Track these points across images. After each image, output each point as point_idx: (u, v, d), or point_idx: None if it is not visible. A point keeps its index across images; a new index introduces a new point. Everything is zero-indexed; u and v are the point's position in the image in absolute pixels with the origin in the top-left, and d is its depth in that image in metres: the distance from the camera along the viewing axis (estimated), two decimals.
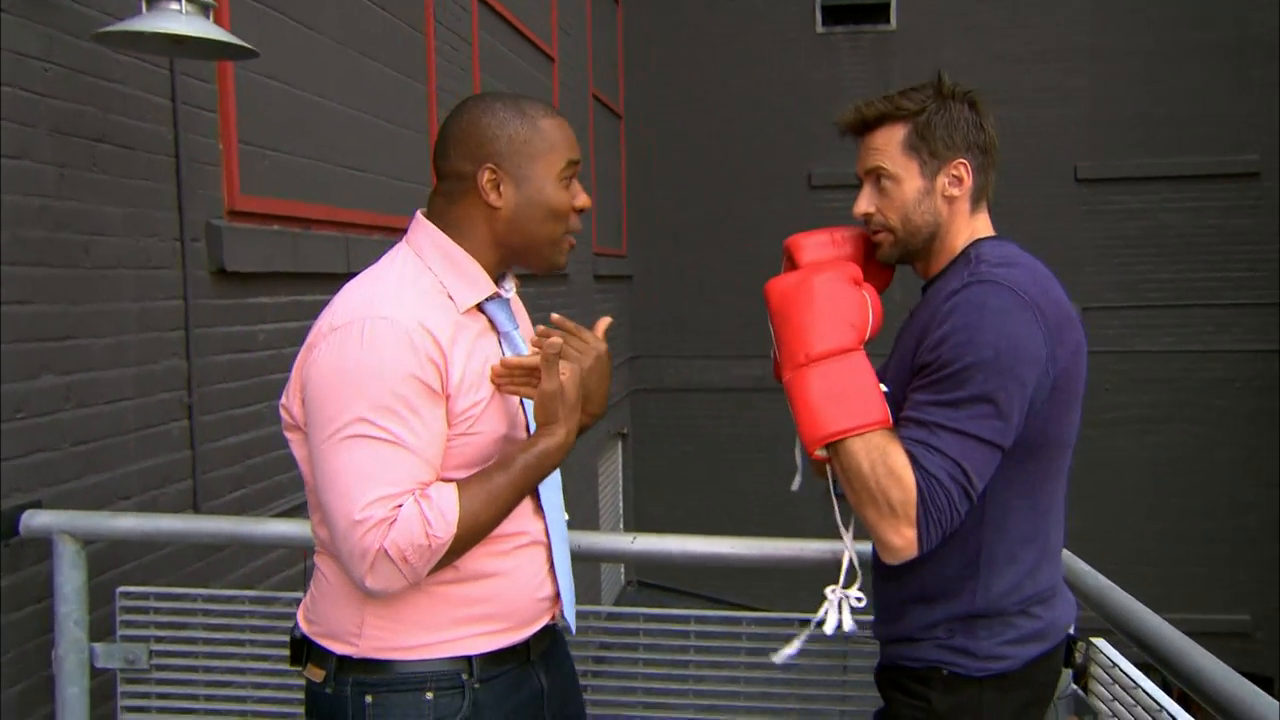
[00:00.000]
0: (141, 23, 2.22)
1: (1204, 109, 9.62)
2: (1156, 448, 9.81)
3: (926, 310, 1.60)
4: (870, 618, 1.74)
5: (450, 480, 1.44)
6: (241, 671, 2.36)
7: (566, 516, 1.67)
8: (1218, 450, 9.75)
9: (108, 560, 2.57)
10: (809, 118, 9.86)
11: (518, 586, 1.54)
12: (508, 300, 1.60)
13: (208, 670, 2.39)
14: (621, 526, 10.23)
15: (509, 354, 1.54)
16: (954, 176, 1.63)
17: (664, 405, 10.62)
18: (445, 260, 1.51)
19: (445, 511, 1.38)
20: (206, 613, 2.39)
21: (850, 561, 1.66)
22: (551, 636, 1.67)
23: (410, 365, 1.38)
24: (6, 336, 2.30)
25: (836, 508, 1.64)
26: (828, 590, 1.63)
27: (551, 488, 1.61)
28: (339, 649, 1.49)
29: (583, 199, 1.56)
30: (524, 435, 1.55)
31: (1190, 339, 9.76)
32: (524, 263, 1.57)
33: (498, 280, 1.57)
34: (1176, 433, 9.72)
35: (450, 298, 1.49)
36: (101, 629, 2.43)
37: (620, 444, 10.49)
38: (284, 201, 3.46)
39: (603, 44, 9.50)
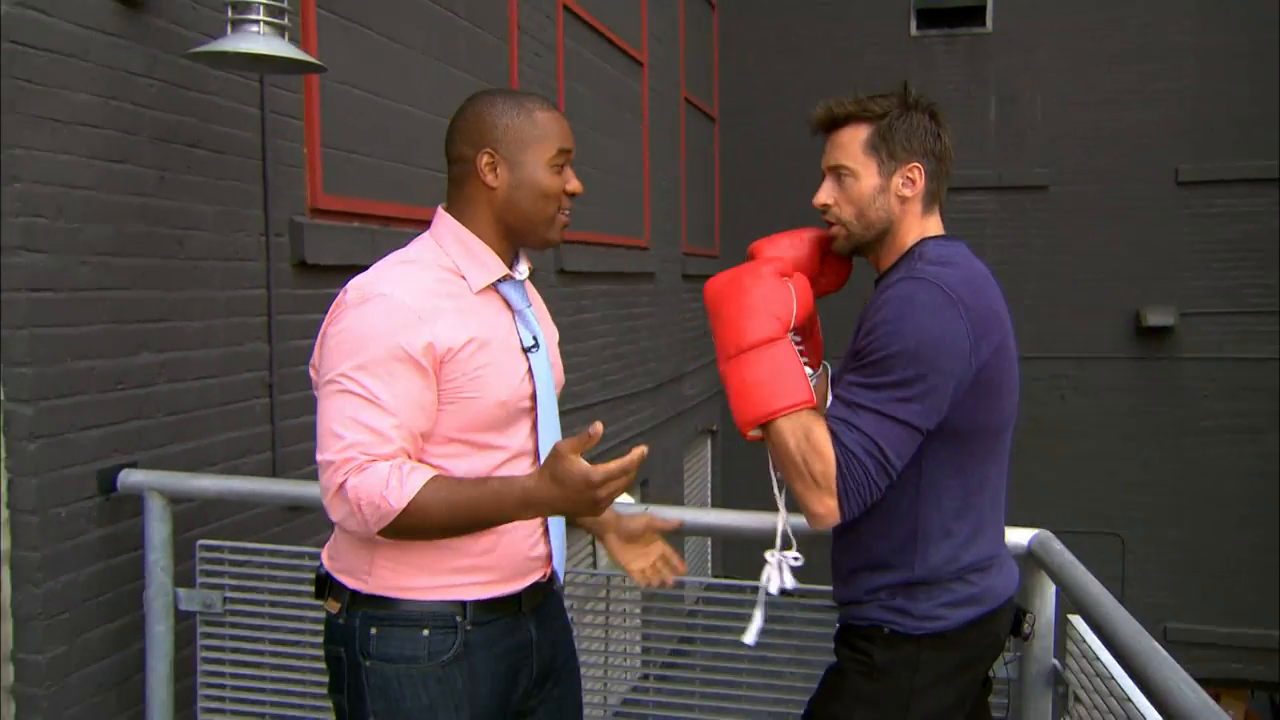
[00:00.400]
0: (225, 43, 2.52)
1: None
2: (1255, 457, 9.52)
3: (869, 305, 1.77)
4: (830, 586, 1.92)
5: (454, 442, 1.66)
6: (301, 619, 2.65)
7: None
8: None
9: (194, 519, 2.89)
10: None
11: (513, 544, 1.74)
12: (521, 282, 1.80)
13: (274, 618, 2.69)
14: None
15: (522, 331, 1.76)
16: (908, 178, 1.79)
17: None
18: (460, 246, 1.72)
19: (406, 486, 1.55)
20: (274, 567, 2.69)
21: (784, 527, 1.84)
22: (545, 594, 1.85)
23: (396, 335, 1.58)
24: (111, 317, 2.63)
25: (774, 480, 1.82)
26: (767, 554, 1.82)
27: (548, 429, 1.78)
28: (352, 584, 1.71)
29: (574, 184, 1.75)
30: (523, 403, 1.73)
31: None
32: (522, 239, 1.76)
33: (512, 264, 1.78)
34: (1276, 443, 9.42)
35: (464, 278, 1.70)
36: (186, 580, 2.74)
37: (709, 441, 10.66)
38: (364, 201, 3.77)
39: (696, 47, 9.69)
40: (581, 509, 1.55)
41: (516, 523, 1.71)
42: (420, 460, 1.65)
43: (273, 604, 2.68)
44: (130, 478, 2.62)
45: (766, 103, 10.50)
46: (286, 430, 3.30)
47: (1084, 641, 2.10)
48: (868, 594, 1.80)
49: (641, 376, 7.51)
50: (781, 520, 1.85)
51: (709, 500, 10.64)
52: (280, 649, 2.69)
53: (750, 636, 1.89)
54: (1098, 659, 2.00)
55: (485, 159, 1.70)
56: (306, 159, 3.42)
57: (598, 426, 1.59)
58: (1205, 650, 9.15)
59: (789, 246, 1.87)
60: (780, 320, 1.71)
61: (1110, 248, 9.85)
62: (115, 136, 2.63)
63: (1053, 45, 9.89)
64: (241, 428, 3.12)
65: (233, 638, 2.71)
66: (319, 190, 3.46)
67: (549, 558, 1.83)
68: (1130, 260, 9.81)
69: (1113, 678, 1.91)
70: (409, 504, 1.55)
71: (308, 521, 3.39)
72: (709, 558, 10.39)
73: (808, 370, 1.74)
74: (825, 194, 1.83)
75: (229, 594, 2.69)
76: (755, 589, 2.43)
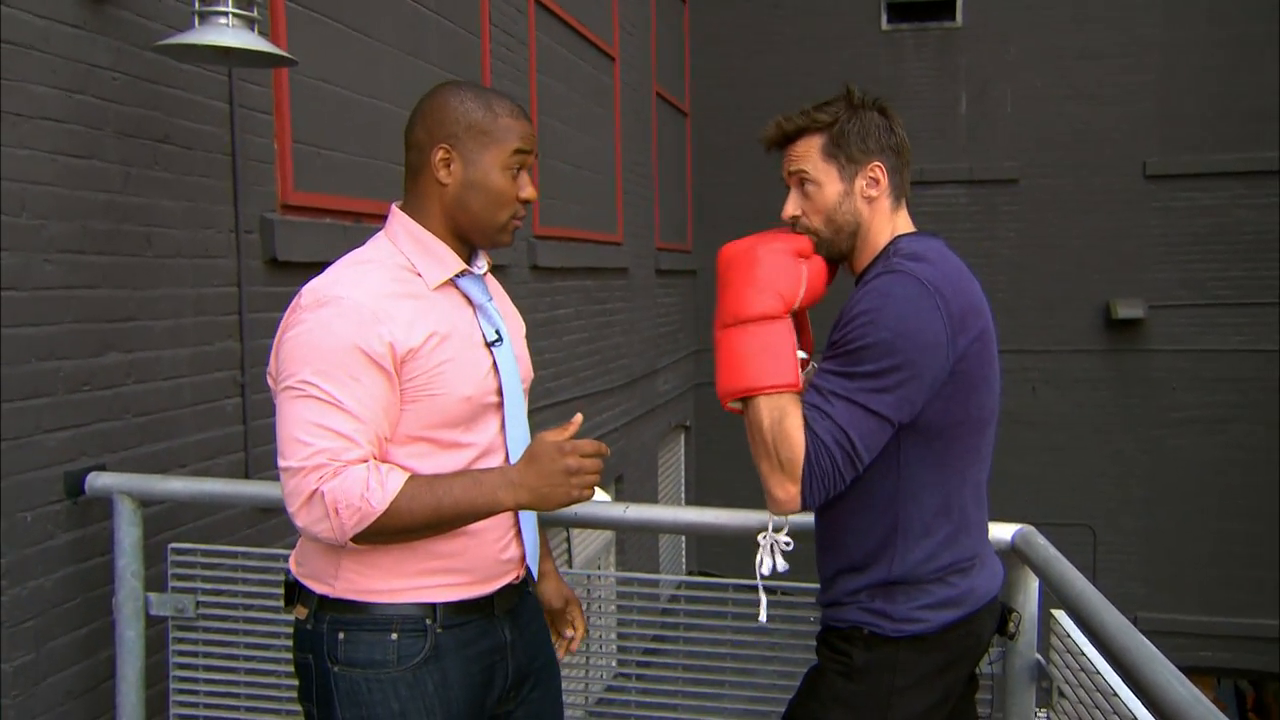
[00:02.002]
0: (193, 36, 2.46)
1: (1276, 103, 9.41)
2: (1224, 448, 9.63)
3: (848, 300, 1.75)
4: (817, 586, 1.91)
5: (420, 441, 1.63)
6: (275, 623, 2.60)
7: None
8: None
9: (165, 522, 2.83)
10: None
11: (483, 546, 1.71)
12: (481, 275, 1.77)
13: (248, 622, 2.64)
14: None
15: (484, 325, 1.73)
16: (871, 178, 1.78)
17: None
18: (415, 243, 1.69)
19: (387, 485, 1.54)
20: (247, 569, 2.64)
21: (773, 520, 1.82)
22: (519, 596, 1.82)
23: (354, 338, 1.55)
24: (77, 316, 2.57)
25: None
26: (759, 536, 1.80)
27: (520, 441, 1.76)
28: (319, 589, 1.68)
29: (528, 191, 1.72)
30: (489, 399, 1.70)
31: (1261, 338, 9.56)
32: (470, 239, 1.73)
33: (471, 258, 1.75)
34: (1244, 434, 9.53)
35: (419, 275, 1.67)
36: (158, 584, 2.69)
37: (682, 436, 10.66)
38: (335, 197, 3.71)
39: (668, 42, 9.67)
40: (555, 482, 1.54)
41: (487, 524, 1.69)
42: (385, 462, 1.62)
43: (246, 608, 2.63)
44: (99, 480, 2.56)
45: (738, 97, 10.50)
46: (259, 430, 3.24)
47: (1068, 636, 2.09)
48: (847, 596, 1.79)
49: (615, 372, 7.48)
50: (772, 515, 1.82)
51: (683, 494, 10.63)
52: (254, 653, 2.64)
53: (763, 615, 1.89)
54: (1083, 654, 1.99)
55: (440, 154, 1.67)
56: (277, 154, 3.37)
57: (578, 417, 1.62)
58: (1174, 639, 9.25)
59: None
60: (784, 299, 1.70)
61: (1080, 240, 9.93)
62: (79, 131, 2.56)
63: (1022, 39, 9.95)
64: (213, 428, 3.06)
65: (205, 643, 2.66)
66: (290, 186, 3.41)
67: (522, 559, 1.80)
68: (1100, 253, 9.89)
69: (1098, 672, 1.90)
70: (391, 504, 1.53)
71: (281, 523, 3.33)
72: (683, 552, 10.39)
73: (801, 355, 1.73)
74: (793, 206, 1.83)
75: (201, 598, 2.64)
76: (730, 586, 2.44)
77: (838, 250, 1.82)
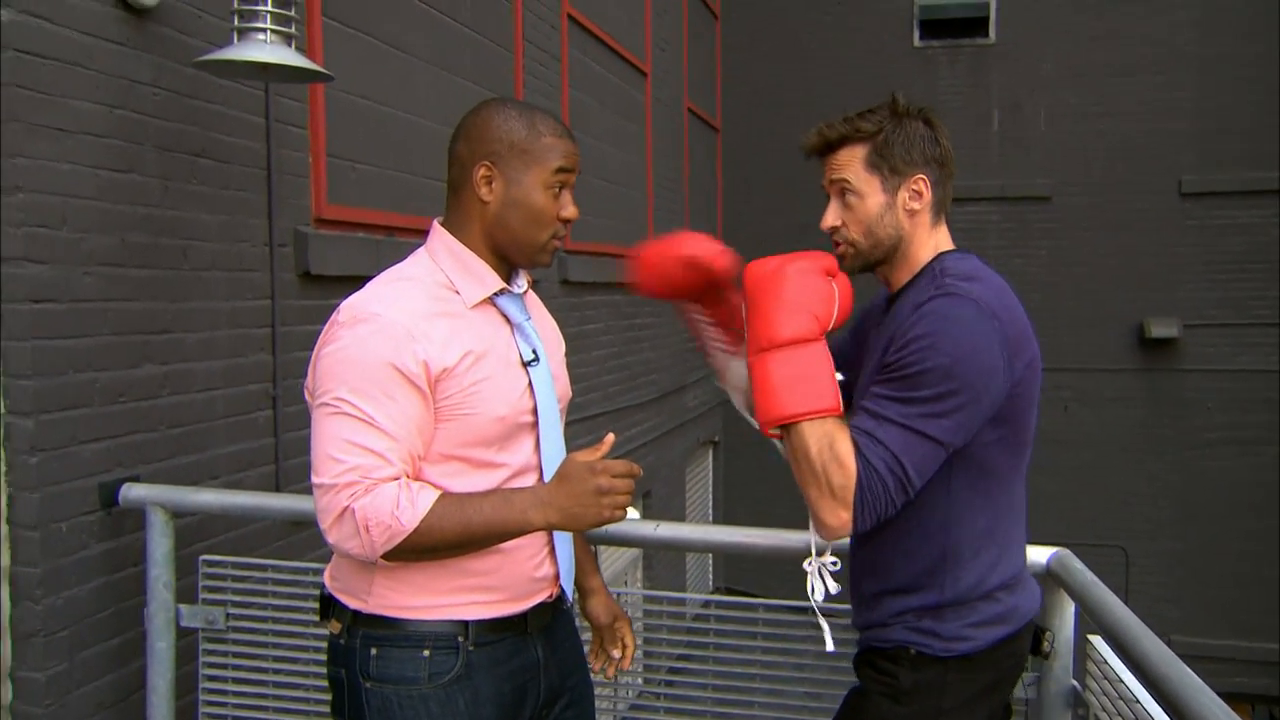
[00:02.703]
0: (232, 52, 2.49)
1: None
2: (1258, 469, 9.48)
3: (894, 322, 1.72)
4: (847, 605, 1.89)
5: (453, 460, 1.62)
6: (305, 636, 2.61)
7: None
8: None
9: (197, 533, 2.85)
10: None
11: (516, 564, 1.70)
12: (520, 295, 1.76)
13: (278, 635, 2.64)
14: None
15: (521, 344, 1.72)
16: (914, 191, 1.74)
17: None
18: (455, 260, 1.69)
19: (418, 504, 1.53)
20: (278, 582, 2.64)
21: (814, 536, 1.76)
22: (554, 614, 1.81)
23: (389, 356, 1.54)
24: (113, 329, 2.59)
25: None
26: (805, 564, 1.77)
27: (551, 444, 1.74)
28: (353, 604, 1.68)
29: (569, 210, 1.70)
30: (523, 418, 1.70)
31: None
32: (509, 258, 1.72)
33: (510, 277, 1.75)
34: (1279, 455, 9.39)
35: (458, 293, 1.67)
36: (189, 595, 2.70)
37: (711, 451, 10.62)
38: (368, 210, 3.74)
39: (700, 58, 9.68)
40: (586, 503, 1.52)
41: (520, 542, 1.68)
42: (418, 480, 1.62)
43: (276, 620, 2.64)
44: (132, 492, 2.58)
45: (769, 113, 10.49)
46: (290, 443, 3.26)
47: (1105, 663, 2.06)
48: (893, 617, 1.75)
49: (644, 387, 7.47)
50: (812, 530, 1.76)
51: (710, 510, 10.59)
52: (283, 666, 2.64)
53: (829, 643, 1.84)
54: (1120, 681, 1.96)
55: (482, 171, 1.66)
56: (311, 168, 3.39)
57: (609, 437, 1.60)
58: (1208, 664, 9.09)
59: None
60: (819, 320, 1.66)
61: (1113, 259, 9.83)
62: (119, 145, 2.59)
63: (1056, 56, 9.88)
64: (245, 440, 3.08)
65: (235, 655, 2.67)
66: (323, 200, 3.43)
67: (556, 578, 1.80)
68: (1133, 271, 9.79)
69: (1137, 701, 1.87)
70: (421, 522, 1.53)
71: (311, 536, 3.34)
72: (710, 570, 10.34)
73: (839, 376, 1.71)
74: (833, 216, 1.79)
75: (232, 610, 2.65)
76: (759, 605, 2.42)
77: (872, 262, 1.79)
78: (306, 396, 1.67)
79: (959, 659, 1.71)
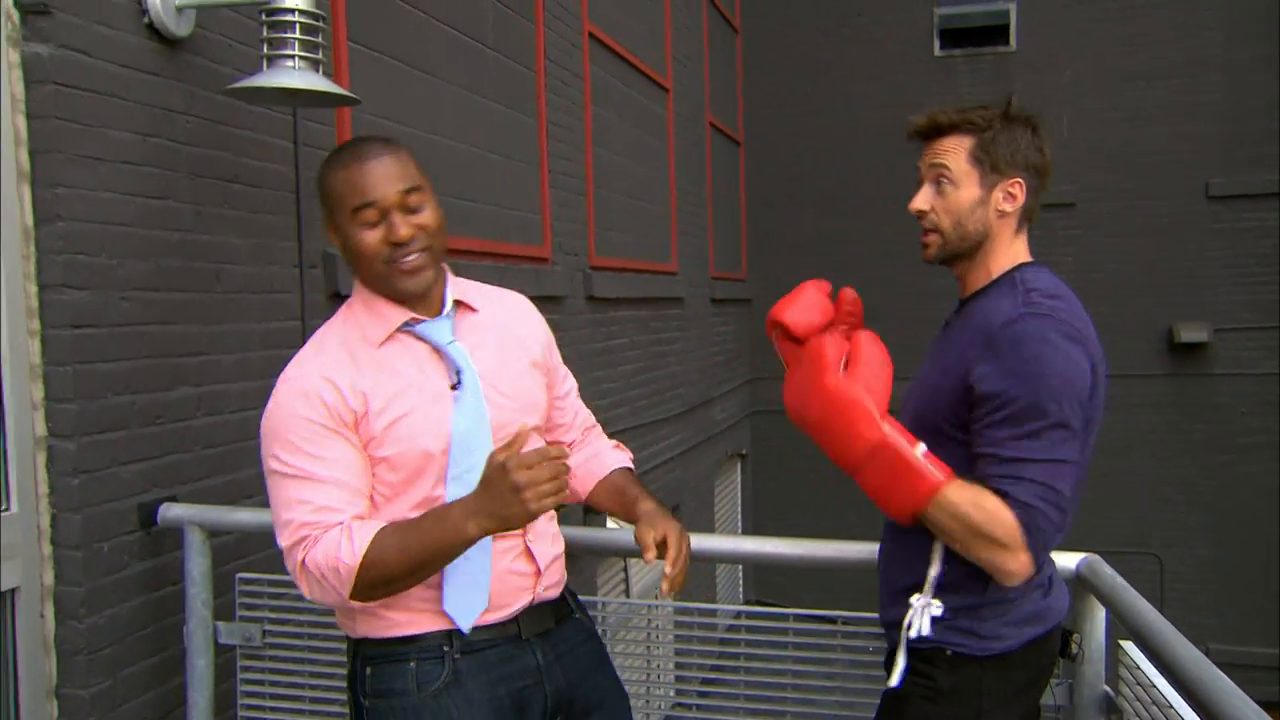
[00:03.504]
0: (261, 79, 2.54)
1: None
2: None
3: (971, 328, 1.72)
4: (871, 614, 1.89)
5: (396, 498, 1.69)
6: (339, 652, 2.63)
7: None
8: None
9: (233, 551, 2.89)
10: None
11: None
12: (449, 318, 1.76)
13: (314, 651, 2.68)
14: None
15: (448, 369, 1.73)
16: (1009, 193, 1.76)
17: (783, 427, 10.64)
18: (363, 304, 1.76)
19: (355, 541, 1.58)
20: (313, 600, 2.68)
21: (935, 575, 1.75)
22: (556, 618, 1.82)
23: (305, 412, 1.64)
24: (150, 352, 2.65)
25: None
26: (913, 599, 1.75)
27: (464, 468, 1.72)
28: (349, 631, 1.79)
29: (398, 233, 1.66)
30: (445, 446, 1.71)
31: None
32: (384, 295, 1.73)
33: (440, 305, 1.76)
34: None
35: (364, 335, 1.72)
36: (226, 612, 2.74)
37: (739, 464, 10.62)
38: None
39: (720, 72, 9.72)
40: (507, 500, 1.50)
41: (485, 544, 1.69)
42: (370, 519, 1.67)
43: (311, 637, 2.68)
44: (170, 511, 2.63)
45: (791, 125, 10.51)
46: None
47: (1138, 668, 2.06)
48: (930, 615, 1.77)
49: (671, 402, 7.49)
50: (934, 570, 1.76)
51: (739, 523, 10.58)
52: (319, 681, 2.68)
53: (895, 679, 1.82)
54: (1154, 686, 1.96)
55: (328, 226, 1.76)
56: None
57: (522, 429, 1.57)
58: (1246, 672, 8.96)
59: (810, 309, 1.83)
60: (875, 413, 1.63)
61: (1141, 264, 9.77)
62: (154, 173, 2.65)
63: (1078, 62, 9.85)
64: None
65: (272, 671, 2.71)
66: None
67: (537, 574, 1.79)
68: (1162, 276, 9.72)
69: (1171, 706, 1.87)
70: (363, 558, 1.57)
71: None
72: (740, 581, 10.33)
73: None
74: (923, 199, 1.81)
75: (268, 627, 2.69)
76: (790, 615, 2.42)
77: (955, 254, 1.81)
78: None
79: (995, 658, 1.73)
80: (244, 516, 2.65)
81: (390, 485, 1.69)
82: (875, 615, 2.37)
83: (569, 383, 2.04)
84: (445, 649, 1.70)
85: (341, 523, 1.61)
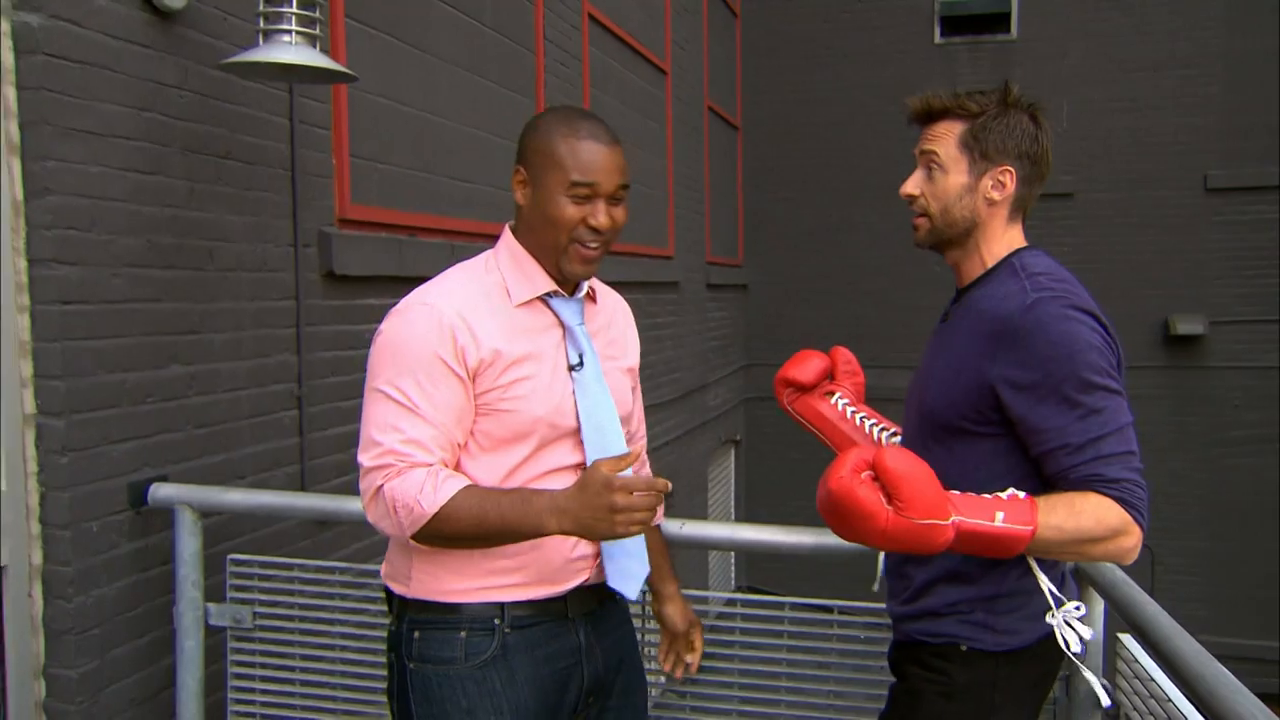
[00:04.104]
0: (257, 53, 2.50)
1: None
2: None
3: (975, 320, 1.70)
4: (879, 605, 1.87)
5: (485, 453, 1.68)
6: (332, 635, 2.62)
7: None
8: None
9: (223, 532, 2.87)
10: None
11: (550, 545, 1.72)
12: (580, 299, 1.79)
13: (305, 633, 2.65)
14: None
15: (570, 348, 1.76)
16: (998, 181, 1.74)
17: (776, 413, 10.68)
18: (512, 260, 1.75)
19: (440, 491, 1.59)
20: (304, 581, 2.65)
21: (1048, 586, 1.69)
22: (600, 600, 1.82)
23: (435, 345, 1.63)
24: (141, 329, 2.61)
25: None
26: (1048, 617, 1.68)
27: (598, 449, 1.75)
28: (398, 589, 1.76)
29: (599, 219, 1.71)
30: (565, 422, 1.72)
31: None
32: (541, 264, 1.75)
33: (576, 286, 1.78)
34: None
35: (508, 292, 1.73)
36: (216, 593, 2.72)
37: (732, 451, 10.61)
38: (392, 211, 3.75)
39: (720, 57, 9.67)
40: (599, 516, 1.52)
41: None
42: (457, 468, 1.68)
43: (302, 619, 2.65)
44: (161, 491, 2.60)
45: (789, 111, 10.46)
46: (315, 443, 3.27)
47: (1136, 661, 2.04)
48: (947, 607, 1.73)
49: (666, 386, 7.47)
50: (1045, 582, 1.69)
51: (732, 508, 10.58)
52: (310, 665, 2.65)
53: (1104, 699, 1.82)
54: (1152, 680, 1.94)
55: (518, 175, 1.75)
56: (335, 169, 3.41)
57: (637, 447, 1.65)
58: (1239, 664, 8.98)
59: (811, 368, 2.03)
60: (939, 522, 1.48)
61: (1138, 255, 9.75)
62: (147, 148, 2.61)
63: (1078, 51, 9.81)
64: (270, 440, 3.10)
65: (262, 653, 2.68)
66: (347, 200, 3.45)
67: (595, 557, 1.80)
68: (1159, 268, 9.71)
69: (1170, 700, 1.85)
70: (440, 509, 1.58)
71: (336, 535, 3.36)
72: (733, 568, 10.33)
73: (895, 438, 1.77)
74: (913, 184, 1.80)
75: (259, 609, 2.66)
76: (785, 604, 2.39)
77: (942, 239, 1.80)
78: None
79: (1010, 653, 1.70)
80: (236, 497, 2.62)
81: (488, 440, 1.69)
82: (872, 605, 2.36)
83: (640, 404, 2.02)
84: (496, 621, 1.71)
85: (430, 464, 1.61)
